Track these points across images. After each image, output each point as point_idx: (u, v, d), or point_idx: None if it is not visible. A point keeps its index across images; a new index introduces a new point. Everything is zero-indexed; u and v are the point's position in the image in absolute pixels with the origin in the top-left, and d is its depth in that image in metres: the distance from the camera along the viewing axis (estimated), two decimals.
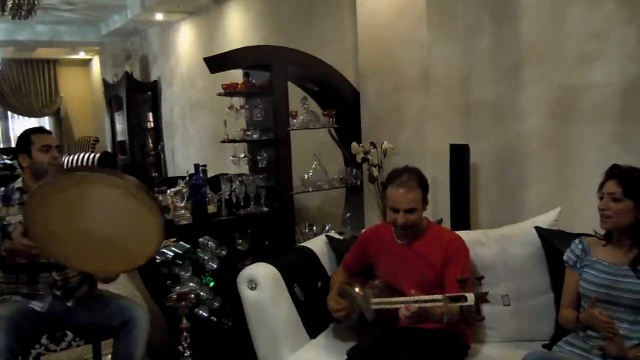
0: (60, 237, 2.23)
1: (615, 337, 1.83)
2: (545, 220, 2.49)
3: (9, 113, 10.88)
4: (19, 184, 2.58)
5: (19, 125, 10.75)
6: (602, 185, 2.01)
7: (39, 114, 10.94)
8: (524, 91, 3.09)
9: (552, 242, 2.36)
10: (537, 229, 2.44)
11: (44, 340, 2.49)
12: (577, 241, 2.14)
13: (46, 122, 11.11)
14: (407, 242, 2.39)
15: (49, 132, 2.69)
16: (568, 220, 2.57)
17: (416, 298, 2.00)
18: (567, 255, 2.14)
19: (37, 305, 2.48)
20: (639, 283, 1.91)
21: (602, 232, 2.07)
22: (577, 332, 2.04)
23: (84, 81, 11.55)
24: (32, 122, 10.61)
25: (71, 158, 8.28)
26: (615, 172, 1.98)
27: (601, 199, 2.00)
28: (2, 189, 2.58)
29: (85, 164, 7.94)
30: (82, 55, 10.86)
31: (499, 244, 2.51)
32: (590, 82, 2.79)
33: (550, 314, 2.34)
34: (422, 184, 2.35)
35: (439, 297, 1.91)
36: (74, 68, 11.44)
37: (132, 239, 2.22)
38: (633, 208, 1.93)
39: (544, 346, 2.23)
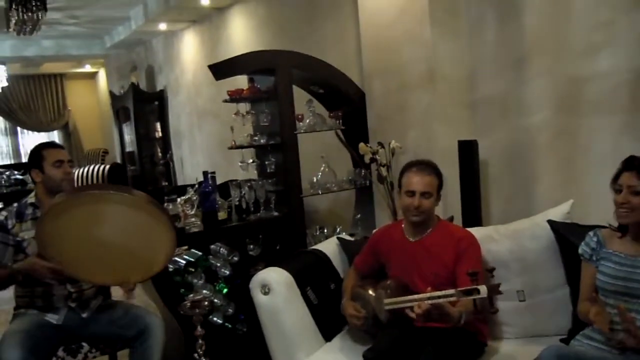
0: (76, 255, 2.26)
1: (633, 328, 1.81)
2: (558, 212, 2.48)
3: (18, 128, 10.96)
4: (31, 199, 2.59)
5: (28, 140, 10.83)
6: (617, 177, 1.96)
7: (47, 128, 11.02)
8: (530, 84, 3.06)
9: (565, 234, 2.34)
10: (550, 222, 2.42)
11: (60, 353, 2.51)
12: (591, 233, 2.12)
13: (55, 136, 11.19)
14: (418, 238, 2.38)
15: (60, 147, 2.70)
16: (580, 212, 2.54)
17: (428, 294, 1.99)
18: (582, 249, 2.12)
19: (52, 318, 2.49)
20: None
21: (616, 223, 2.04)
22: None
23: (91, 93, 11.63)
24: (41, 137, 10.67)
25: (81, 170, 8.31)
26: (634, 164, 1.91)
27: (617, 191, 1.95)
28: (15, 204, 2.59)
29: (95, 175, 7.97)
30: (87, 68, 10.94)
31: (512, 239, 2.50)
32: (597, 72, 2.77)
33: (567, 307, 2.32)
34: (438, 174, 2.40)
35: (452, 291, 1.90)
36: (80, 81, 11.52)
37: (146, 248, 2.26)
38: None
39: (562, 340, 2.21)
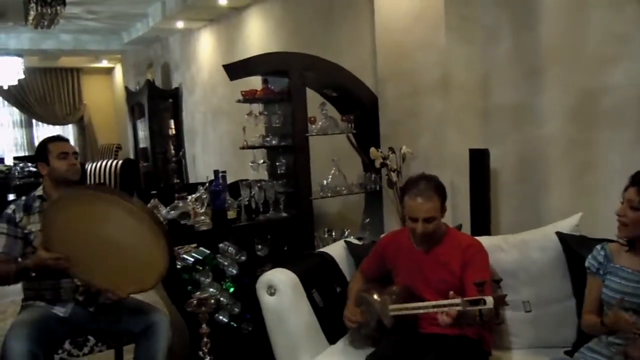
0: (77, 251, 2.32)
1: (638, 340, 1.80)
2: (566, 225, 2.47)
3: (33, 121, 11.08)
4: (39, 192, 2.64)
5: (43, 132, 10.92)
6: (625, 190, 1.97)
7: (62, 122, 11.12)
8: (544, 94, 3.05)
9: (574, 247, 2.34)
10: (558, 234, 2.41)
11: (67, 345, 2.53)
12: (599, 247, 2.11)
13: (70, 130, 11.30)
14: (426, 248, 2.38)
15: (65, 140, 2.75)
16: (589, 225, 2.53)
17: (434, 303, 1.99)
18: (589, 262, 2.11)
19: (59, 310, 2.52)
20: None
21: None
22: (600, 337, 2.01)
23: (107, 89, 11.73)
24: (56, 130, 10.77)
25: (94, 165, 8.39)
26: (636, 179, 1.94)
27: (621, 203, 1.97)
28: (23, 197, 2.64)
29: (108, 170, 8.05)
30: (104, 64, 11.03)
31: (520, 249, 2.49)
32: (612, 85, 2.75)
33: (572, 319, 2.31)
34: (440, 191, 2.34)
35: (458, 300, 1.89)
36: (97, 76, 11.62)
37: (142, 258, 2.32)
38: None
39: (566, 352, 2.20)
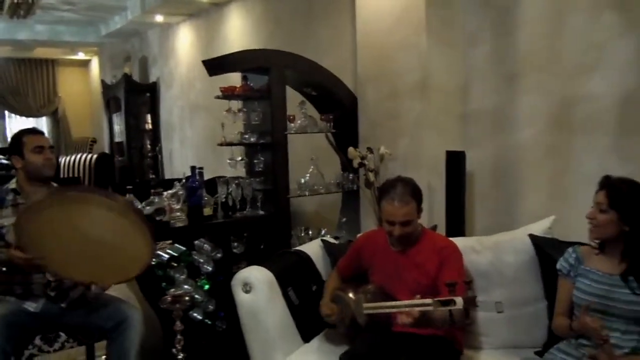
0: (54, 246, 2.27)
1: (606, 344, 1.84)
2: (539, 228, 2.51)
3: (6, 112, 10.85)
4: (12, 184, 2.58)
5: (16, 124, 10.68)
6: (595, 193, 2.02)
7: (36, 114, 10.92)
8: (521, 100, 3.10)
9: (546, 249, 2.38)
10: (531, 236, 2.45)
11: (37, 341, 2.50)
12: (570, 250, 2.15)
13: (43, 122, 11.10)
14: (402, 249, 2.40)
15: (41, 133, 2.70)
16: (563, 228, 2.58)
17: (406, 302, 2.01)
18: (561, 264, 2.15)
19: (30, 306, 2.48)
20: (630, 293, 1.92)
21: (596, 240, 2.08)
22: (569, 339, 2.05)
23: (83, 82, 11.54)
24: (29, 122, 10.58)
25: (68, 158, 8.26)
26: (606, 183, 2.00)
27: (592, 207, 2.02)
28: None
29: (82, 164, 7.93)
30: (80, 56, 10.85)
31: (493, 251, 2.52)
32: (588, 93, 2.81)
33: (543, 321, 2.35)
34: (417, 195, 2.35)
35: (429, 300, 1.91)
36: (73, 68, 11.43)
37: (125, 251, 2.28)
38: (617, 219, 1.94)
39: (536, 353, 2.24)
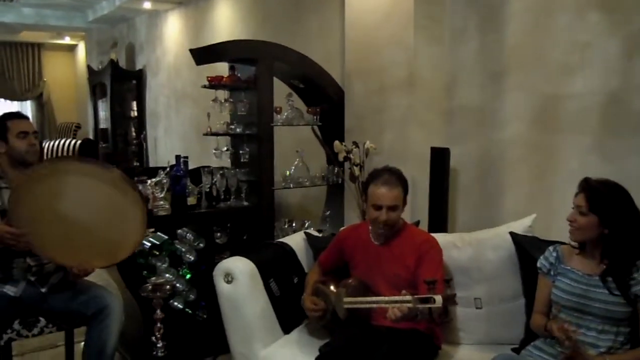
0: (42, 228, 2.24)
1: (576, 346, 1.86)
2: (520, 226, 2.53)
3: None
4: None
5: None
6: (575, 196, 2.04)
7: (21, 98, 10.77)
8: (506, 98, 3.12)
9: (526, 247, 2.40)
10: (512, 234, 2.47)
11: (16, 325, 2.48)
12: (551, 248, 2.18)
13: (28, 106, 10.96)
14: (383, 242, 2.42)
15: (25, 118, 2.67)
16: (544, 227, 2.61)
17: (387, 298, 2.02)
18: (541, 262, 2.18)
19: (10, 290, 2.46)
20: (608, 293, 1.95)
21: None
22: (545, 337, 2.08)
23: (68, 66, 11.40)
24: (13, 106, 10.43)
25: (52, 143, 8.17)
26: (584, 186, 2.01)
27: (572, 209, 2.03)
28: None
29: (66, 149, 7.86)
30: (67, 40, 10.71)
31: (474, 248, 2.55)
32: (571, 92, 2.84)
33: (521, 318, 2.37)
34: (403, 183, 2.40)
35: (409, 297, 1.93)
36: (59, 53, 11.28)
37: (114, 230, 2.25)
38: (597, 223, 1.96)
39: (513, 349, 2.26)
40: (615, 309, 1.94)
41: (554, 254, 2.14)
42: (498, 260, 2.48)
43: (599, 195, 1.97)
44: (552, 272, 2.13)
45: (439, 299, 1.86)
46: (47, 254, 2.38)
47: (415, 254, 2.33)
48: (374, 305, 2.07)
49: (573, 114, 2.84)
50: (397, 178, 2.38)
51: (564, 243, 2.18)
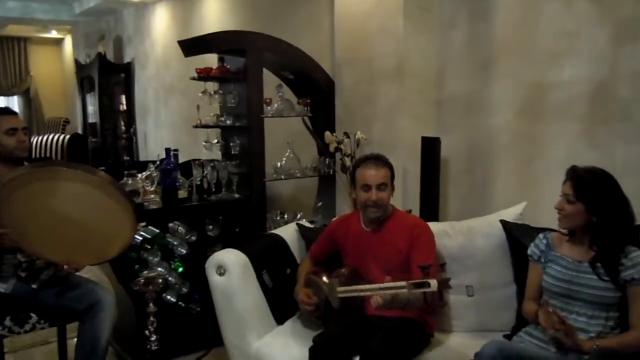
0: (30, 225, 2.22)
1: (568, 330, 1.88)
2: (510, 213, 2.55)
3: None
4: None
5: None
6: (563, 184, 2.06)
7: (7, 93, 10.67)
8: (495, 86, 3.13)
9: (516, 235, 2.42)
10: (502, 222, 2.49)
11: (7, 322, 2.47)
12: (541, 236, 2.19)
13: (15, 101, 10.85)
14: (374, 227, 2.43)
15: (14, 113, 2.63)
16: (533, 214, 2.62)
17: (380, 285, 2.03)
18: (531, 249, 2.19)
19: (0, 287, 2.44)
20: (597, 279, 1.97)
21: None
22: (537, 324, 2.10)
23: (55, 60, 11.29)
24: (0, 101, 10.33)
25: (40, 139, 8.10)
26: (572, 174, 2.03)
27: (560, 197, 2.05)
28: None
29: (54, 145, 7.79)
30: (53, 34, 10.60)
31: (465, 236, 2.56)
32: (560, 80, 2.85)
33: (512, 305, 2.40)
34: (390, 166, 2.44)
35: (403, 283, 1.94)
36: (45, 47, 11.17)
37: (104, 232, 2.23)
38: (584, 211, 1.98)
39: (505, 336, 2.27)
40: (604, 294, 1.96)
41: (544, 241, 2.16)
42: (489, 248, 2.50)
43: (585, 183, 1.98)
44: (542, 259, 2.15)
45: (434, 283, 1.86)
46: (35, 251, 2.36)
47: (407, 237, 2.35)
48: (368, 293, 2.08)
49: (561, 102, 2.85)
50: (384, 161, 2.43)
51: (554, 230, 2.20)
